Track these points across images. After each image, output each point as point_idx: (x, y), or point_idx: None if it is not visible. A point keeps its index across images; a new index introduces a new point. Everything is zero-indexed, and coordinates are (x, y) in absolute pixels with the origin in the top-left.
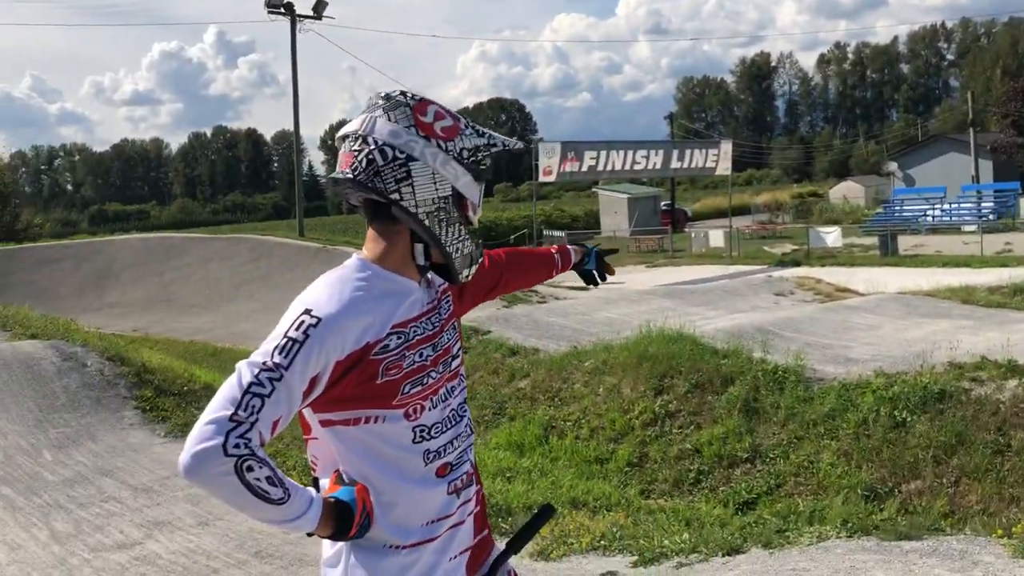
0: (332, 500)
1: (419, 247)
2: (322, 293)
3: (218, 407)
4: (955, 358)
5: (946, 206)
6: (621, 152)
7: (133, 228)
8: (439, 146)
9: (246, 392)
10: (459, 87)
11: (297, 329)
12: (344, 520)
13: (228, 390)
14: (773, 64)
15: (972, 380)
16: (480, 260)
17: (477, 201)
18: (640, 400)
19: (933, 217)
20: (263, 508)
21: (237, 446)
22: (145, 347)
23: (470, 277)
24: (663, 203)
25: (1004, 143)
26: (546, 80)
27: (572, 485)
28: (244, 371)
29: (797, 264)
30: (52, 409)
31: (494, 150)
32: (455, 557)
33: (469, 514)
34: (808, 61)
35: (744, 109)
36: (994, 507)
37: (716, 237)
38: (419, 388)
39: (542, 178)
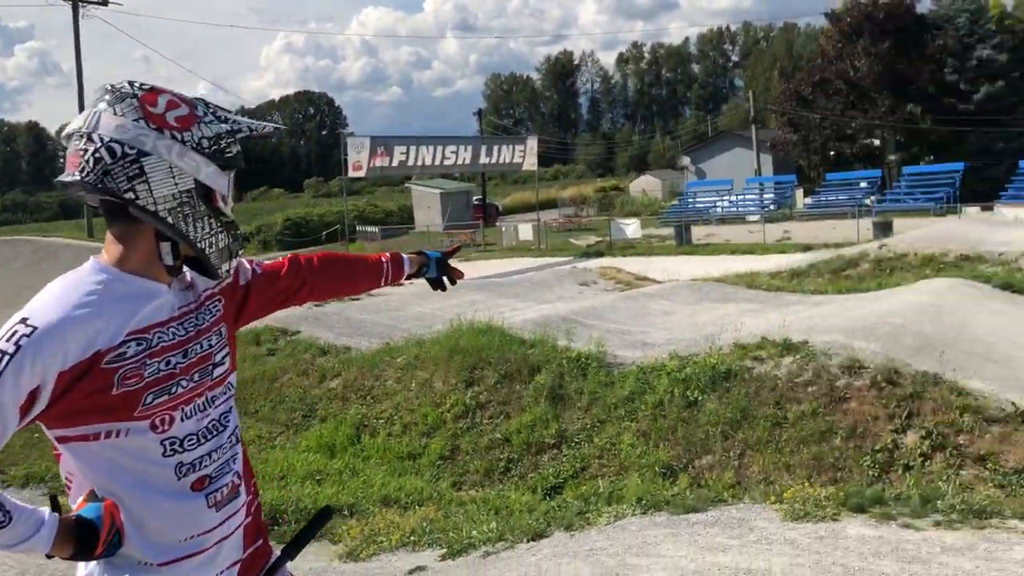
0: (73, 519)
1: (165, 246)
2: (46, 300)
3: None
4: (739, 339)
5: (733, 198)
6: (431, 147)
7: None
8: (174, 137)
9: None
10: (263, 79)
11: (8, 340)
12: (87, 539)
13: None
14: (576, 62)
15: (754, 359)
16: (239, 253)
17: (226, 191)
18: (451, 393)
19: (722, 208)
20: None
21: None
22: None
23: (231, 272)
24: (475, 198)
25: (781, 139)
26: (355, 73)
27: (384, 483)
28: None
29: (600, 255)
30: None
31: (240, 136)
32: (222, 572)
33: (237, 527)
34: (608, 60)
35: (550, 106)
36: (774, 476)
37: (525, 231)
38: (165, 398)
39: (352, 173)
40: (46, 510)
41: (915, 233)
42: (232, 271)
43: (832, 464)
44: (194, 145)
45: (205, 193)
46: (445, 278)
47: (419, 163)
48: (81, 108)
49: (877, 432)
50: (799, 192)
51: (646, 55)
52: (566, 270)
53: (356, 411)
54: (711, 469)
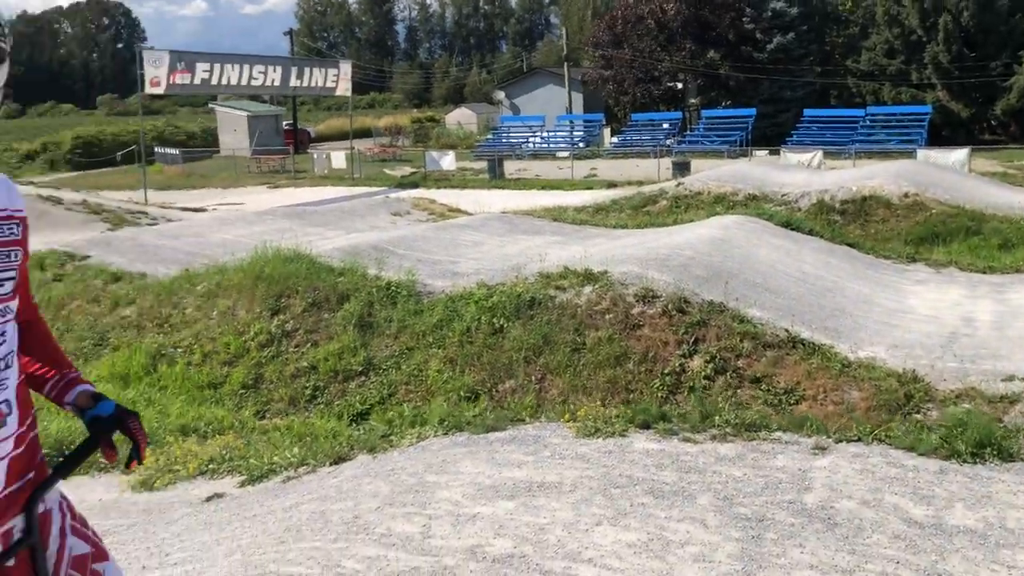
0: None
1: None
2: None
3: None
4: (544, 269)
5: (545, 134)
6: (237, 66)
7: None
8: None
9: None
10: None
11: None
12: None
13: None
14: None
15: (557, 288)
16: None
17: None
18: (256, 321)
19: (534, 144)
20: None
21: None
22: None
23: None
24: (285, 123)
25: (592, 77)
26: None
27: (182, 412)
28: None
29: (415, 186)
30: None
31: None
32: None
33: (1, 457)
34: None
35: (366, 31)
36: (572, 398)
37: (338, 159)
38: None
39: (149, 89)
40: None
41: (709, 173)
42: None
43: (625, 386)
44: None
45: None
46: (115, 435)
47: (224, 82)
48: None
49: (667, 356)
50: (607, 131)
51: None
52: (379, 200)
53: (152, 340)
54: (513, 393)
